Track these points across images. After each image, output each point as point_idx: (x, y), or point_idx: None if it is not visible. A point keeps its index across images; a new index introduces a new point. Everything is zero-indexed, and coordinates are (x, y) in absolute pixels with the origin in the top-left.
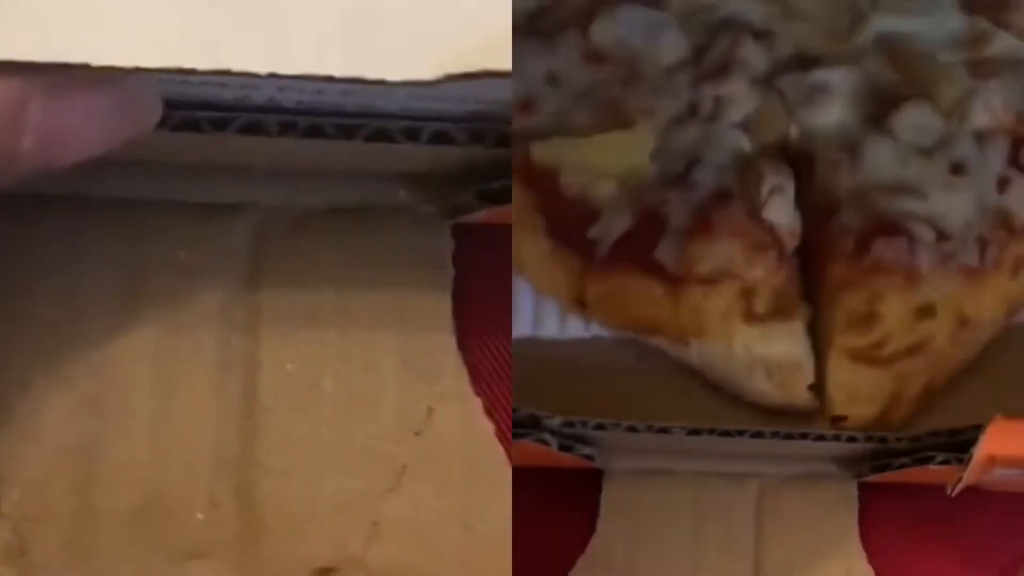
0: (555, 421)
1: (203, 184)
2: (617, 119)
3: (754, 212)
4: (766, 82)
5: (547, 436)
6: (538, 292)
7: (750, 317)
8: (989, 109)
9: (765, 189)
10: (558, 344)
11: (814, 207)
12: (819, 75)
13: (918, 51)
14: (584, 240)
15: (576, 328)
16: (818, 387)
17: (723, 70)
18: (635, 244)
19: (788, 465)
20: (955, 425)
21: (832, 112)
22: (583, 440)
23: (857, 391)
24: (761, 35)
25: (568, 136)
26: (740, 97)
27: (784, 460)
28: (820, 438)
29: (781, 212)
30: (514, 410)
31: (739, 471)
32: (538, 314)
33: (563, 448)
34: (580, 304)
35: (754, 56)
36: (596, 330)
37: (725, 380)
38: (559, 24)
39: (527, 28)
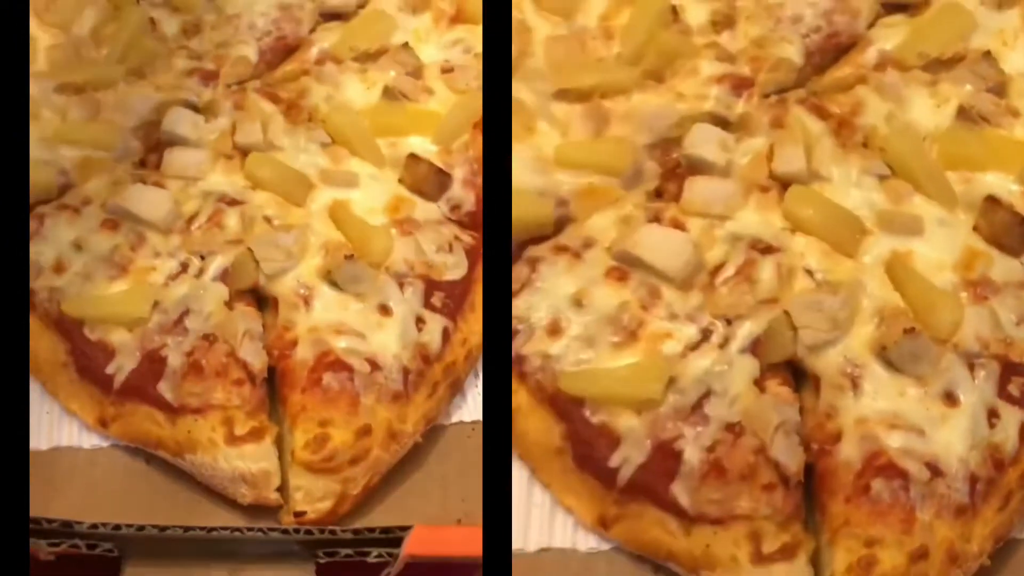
0: None
1: None
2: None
3: (760, 449)
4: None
5: None
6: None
7: (758, 558)
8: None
9: (771, 427)
10: None
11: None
12: (822, 297)
13: (917, 274)
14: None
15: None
16: None
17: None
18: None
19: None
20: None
21: (834, 335)
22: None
23: None
24: (768, 250)
25: None
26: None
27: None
28: None
29: (787, 451)
30: None
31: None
32: None
33: None
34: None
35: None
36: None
37: None
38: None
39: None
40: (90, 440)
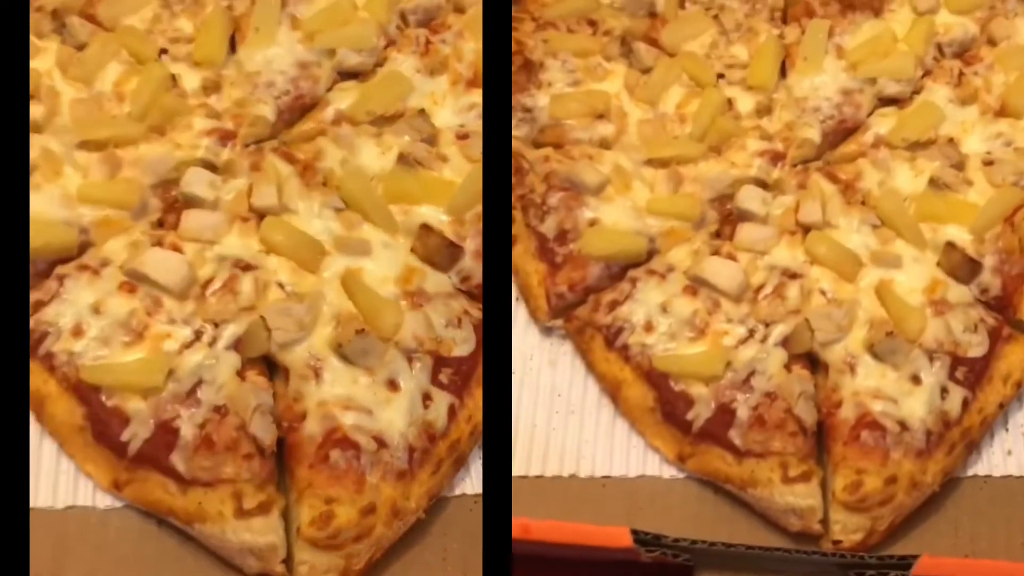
0: None
1: None
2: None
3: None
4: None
5: None
6: None
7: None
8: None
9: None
10: None
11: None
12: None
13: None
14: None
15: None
16: None
17: None
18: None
19: None
20: None
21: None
22: None
23: None
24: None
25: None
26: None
27: None
28: None
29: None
30: None
31: None
32: None
33: None
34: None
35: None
36: None
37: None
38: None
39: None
40: (104, 500)
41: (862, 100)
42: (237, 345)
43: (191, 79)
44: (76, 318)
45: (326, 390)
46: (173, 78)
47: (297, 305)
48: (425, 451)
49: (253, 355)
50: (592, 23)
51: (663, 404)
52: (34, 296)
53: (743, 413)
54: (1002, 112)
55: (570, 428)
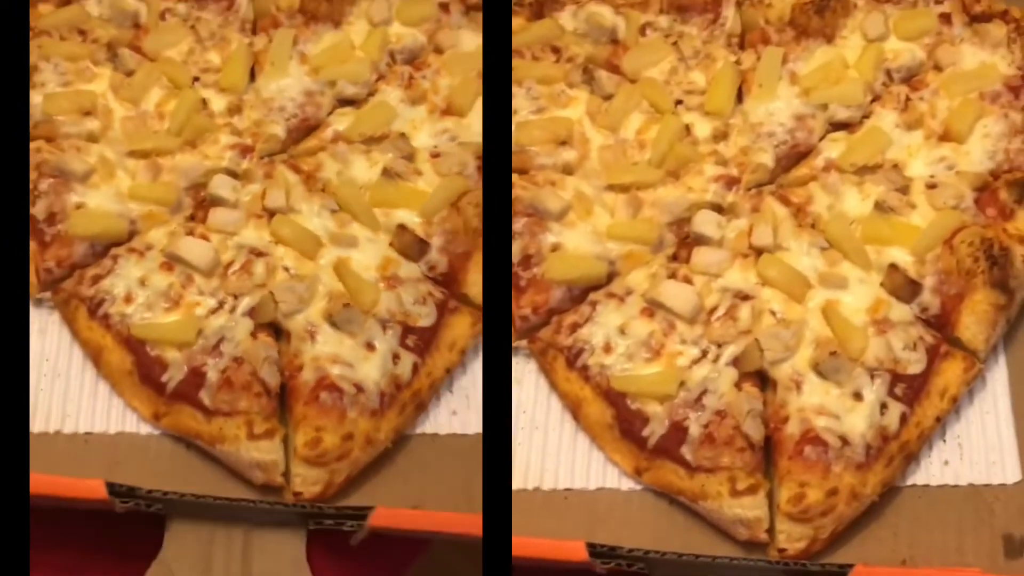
0: None
1: None
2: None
3: (737, 427)
4: None
5: None
6: None
7: (734, 493)
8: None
9: (744, 412)
10: None
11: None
12: (780, 330)
13: (842, 315)
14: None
15: None
16: None
17: None
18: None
19: None
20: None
21: (786, 355)
22: None
23: None
24: (746, 298)
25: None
26: None
27: None
28: None
29: (754, 428)
30: None
31: None
32: None
33: None
34: None
35: None
36: None
37: None
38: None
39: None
40: (145, 428)
41: (814, 125)
42: (251, 313)
43: (218, 102)
44: (127, 288)
45: (319, 348)
46: (204, 101)
47: (299, 284)
48: (392, 396)
49: (263, 321)
50: (556, 50)
51: (621, 421)
52: (93, 271)
53: (695, 431)
54: (945, 136)
55: (534, 443)
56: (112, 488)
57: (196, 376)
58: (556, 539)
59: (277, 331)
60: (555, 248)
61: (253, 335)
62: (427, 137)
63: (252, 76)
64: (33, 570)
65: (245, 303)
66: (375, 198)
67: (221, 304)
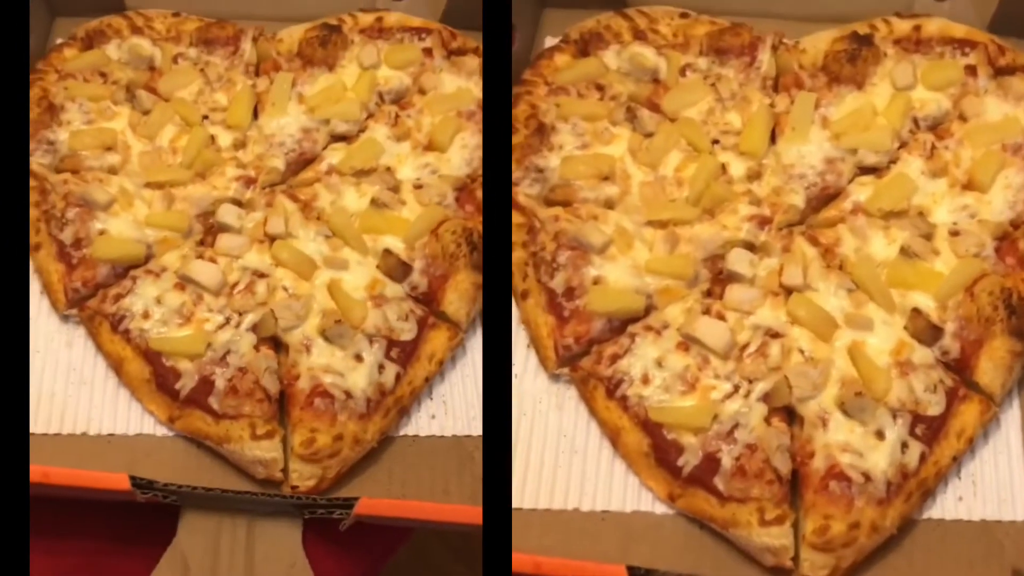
0: None
1: None
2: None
3: (766, 460)
4: None
5: None
6: None
7: (763, 522)
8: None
9: (773, 447)
10: None
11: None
12: (808, 369)
13: (867, 356)
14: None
15: None
16: None
17: None
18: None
19: None
20: None
21: (814, 392)
22: None
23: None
24: (776, 336)
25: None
26: None
27: None
28: None
29: (782, 461)
30: None
31: None
32: None
33: None
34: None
35: None
36: None
37: None
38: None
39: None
40: (161, 430)
41: (843, 168)
42: (254, 328)
43: (225, 138)
44: (145, 306)
45: (314, 360)
46: (212, 137)
47: (296, 302)
48: (378, 402)
49: (265, 335)
50: (600, 87)
51: (656, 450)
52: (115, 290)
53: (727, 462)
54: (968, 185)
55: (574, 466)
56: (134, 481)
57: (206, 384)
58: (593, 559)
59: (277, 344)
60: (597, 281)
61: (256, 348)
62: (410, 170)
63: (255, 114)
64: (62, 554)
65: (249, 319)
66: (364, 225)
67: (228, 320)
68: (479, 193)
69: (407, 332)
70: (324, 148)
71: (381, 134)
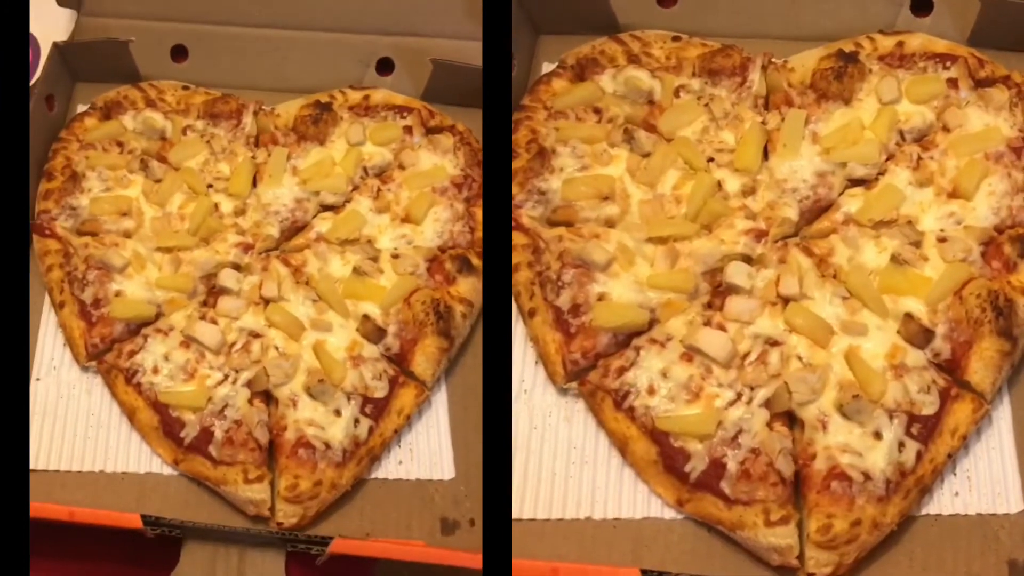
0: None
1: None
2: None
3: (770, 463)
4: None
5: None
6: None
7: (768, 523)
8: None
9: (776, 450)
10: None
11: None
12: (807, 375)
13: (863, 361)
14: None
15: None
16: None
17: None
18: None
19: None
20: None
21: (813, 397)
22: None
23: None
24: (775, 344)
25: None
26: None
27: None
28: None
29: (785, 464)
30: None
31: None
32: None
33: None
34: None
35: None
36: None
37: None
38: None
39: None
40: (167, 470)
41: (834, 181)
42: (249, 384)
43: (227, 205)
44: (154, 362)
45: (299, 414)
46: (216, 205)
47: (285, 361)
48: (352, 452)
49: (258, 390)
50: (597, 111)
51: (664, 458)
52: (129, 347)
53: (732, 467)
54: (954, 194)
55: (584, 476)
56: (145, 519)
57: (206, 434)
58: (607, 564)
59: (268, 398)
60: (601, 297)
61: (250, 402)
62: (388, 240)
63: (254, 183)
64: None
65: (244, 376)
66: (347, 291)
67: (226, 377)
68: (448, 265)
69: (380, 390)
70: (314, 217)
71: (364, 206)
